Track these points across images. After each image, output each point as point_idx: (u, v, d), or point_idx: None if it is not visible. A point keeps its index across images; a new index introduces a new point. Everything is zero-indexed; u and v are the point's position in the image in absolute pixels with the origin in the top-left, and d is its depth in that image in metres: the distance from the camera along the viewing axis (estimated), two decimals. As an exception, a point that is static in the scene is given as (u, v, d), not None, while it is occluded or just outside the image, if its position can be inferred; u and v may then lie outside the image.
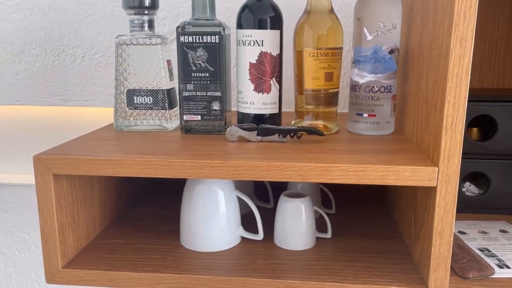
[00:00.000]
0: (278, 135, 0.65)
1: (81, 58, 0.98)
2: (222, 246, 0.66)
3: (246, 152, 0.59)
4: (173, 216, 0.74)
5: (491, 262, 0.61)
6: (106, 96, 0.98)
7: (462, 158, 0.70)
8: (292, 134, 0.65)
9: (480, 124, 0.77)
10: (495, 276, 0.57)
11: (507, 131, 0.74)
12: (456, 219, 0.71)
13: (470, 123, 0.76)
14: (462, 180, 0.79)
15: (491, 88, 0.86)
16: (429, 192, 0.55)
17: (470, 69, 0.49)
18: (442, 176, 0.52)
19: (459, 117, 0.50)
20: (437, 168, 0.52)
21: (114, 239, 0.70)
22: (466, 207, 0.78)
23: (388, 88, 0.68)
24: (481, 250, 0.64)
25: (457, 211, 0.59)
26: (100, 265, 0.62)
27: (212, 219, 0.66)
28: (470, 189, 0.79)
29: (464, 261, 0.60)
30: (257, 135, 0.65)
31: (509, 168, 0.76)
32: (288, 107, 0.82)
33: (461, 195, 0.78)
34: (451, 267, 0.58)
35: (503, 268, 0.59)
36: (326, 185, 0.80)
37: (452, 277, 0.56)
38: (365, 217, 0.78)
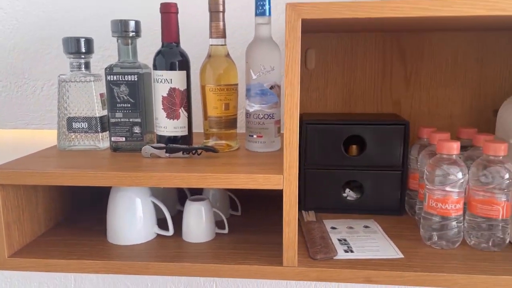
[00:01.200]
0: (183, 153, 0.84)
1: (40, 89, 1.16)
2: (139, 240, 0.84)
3: (152, 165, 0.78)
4: (102, 217, 0.92)
5: (340, 247, 0.79)
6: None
7: (342, 169, 0.90)
8: (193, 152, 0.84)
9: (357, 142, 0.96)
10: (338, 257, 0.76)
11: (373, 147, 0.94)
12: (335, 219, 0.91)
13: (350, 142, 0.95)
14: (343, 186, 0.98)
15: (369, 113, 1.06)
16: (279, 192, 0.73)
17: (299, 105, 0.68)
18: (286, 181, 0.70)
19: (293, 138, 0.69)
20: (282, 176, 0.70)
21: (55, 236, 0.87)
22: (347, 209, 0.97)
23: (271, 115, 0.87)
24: (339, 240, 0.83)
25: (338, 212, 0.79)
26: (38, 255, 0.79)
27: (130, 219, 0.84)
28: (350, 194, 0.98)
29: (319, 247, 0.78)
30: (166, 153, 0.84)
31: (377, 177, 0.95)
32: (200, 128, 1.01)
33: (342, 199, 0.97)
34: (308, 251, 0.77)
35: (348, 252, 0.78)
36: (233, 191, 0.98)
37: (306, 258, 0.75)
38: (263, 217, 0.96)
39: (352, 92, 1.07)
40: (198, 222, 0.84)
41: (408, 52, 1.04)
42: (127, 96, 0.86)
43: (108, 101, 0.87)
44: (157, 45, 0.88)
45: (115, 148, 0.89)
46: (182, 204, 0.99)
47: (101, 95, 0.92)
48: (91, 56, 0.91)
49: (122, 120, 0.87)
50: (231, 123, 0.90)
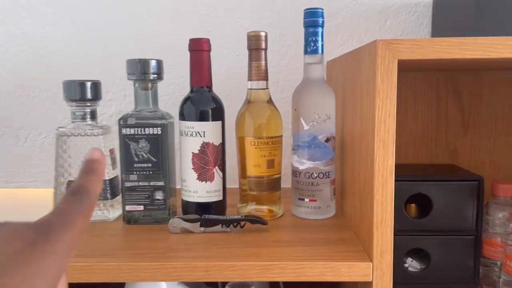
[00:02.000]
0: (221, 225, 0.65)
1: (24, 140, 0.96)
2: None
3: (187, 249, 0.59)
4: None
5: None
6: (49, 177, 0.96)
7: (403, 235, 0.73)
8: (235, 224, 0.66)
9: (417, 200, 0.81)
10: None
11: (441, 208, 0.78)
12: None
13: (408, 200, 0.79)
14: (405, 255, 0.81)
15: (425, 164, 0.91)
16: (367, 285, 0.56)
17: (394, 169, 0.52)
18: (377, 271, 0.53)
19: (387, 214, 0.52)
20: (372, 264, 0.53)
21: None
22: (409, 282, 0.80)
23: (327, 174, 0.71)
24: (423, 333, 0.66)
25: (400, 286, 0.61)
26: None
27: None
28: (412, 264, 0.82)
29: None
30: (200, 226, 0.65)
31: (446, 243, 0.79)
32: (234, 183, 0.83)
33: (404, 270, 0.80)
34: None
35: None
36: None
37: None
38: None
39: (402, 139, 0.92)
40: (242, 316, 0.65)
41: (465, 94, 0.90)
42: (148, 153, 0.68)
43: (122, 160, 0.68)
44: (173, 86, 0.70)
45: (129, 220, 0.70)
46: (209, 284, 0.80)
47: (111, 151, 0.73)
48: (98, 103, 0.73)
49: (140, 184, 0.69)
50: (275, 183, 0.73)
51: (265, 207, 0.73)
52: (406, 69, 0.82)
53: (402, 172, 0.82)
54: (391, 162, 0.51)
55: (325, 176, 0.71)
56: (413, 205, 0.82)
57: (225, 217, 0.66)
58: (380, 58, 0.50)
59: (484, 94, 0.90)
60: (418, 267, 0.82)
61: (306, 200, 0.71)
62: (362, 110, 0.57)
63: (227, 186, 0.73)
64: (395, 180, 0.77)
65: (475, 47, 0.49)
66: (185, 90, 0.72)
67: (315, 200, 0.71)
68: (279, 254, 0.56)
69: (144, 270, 0.54)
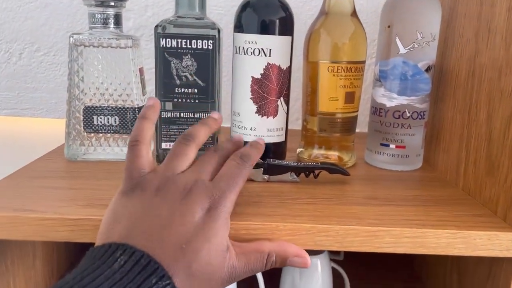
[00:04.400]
0: (291, 173, 0.50)
1: (17, 56, 0.77)
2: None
3: (256, 202, 0.44)
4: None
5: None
6: (50, 104, 0.78)
7: None
8: (307, 173, 0.50)
9: None
10: None
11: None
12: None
13: None
14: None
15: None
16: (495, 260, 0.42)
17: None
18: (525, 245, 0.39)
19: (554, 169, 0.37)
20: (519, 235, 0.39)
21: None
22: None
23: (422, 113, 0.55)
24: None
25: None
26: None
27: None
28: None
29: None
30: (263, 173, 0.50)
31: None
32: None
33: None
34: None
35: None
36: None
37: None
38: (380, 264, 0.65)
39: None
40: (313, 286, 0.52)
41: None
42: (193, 75, 0.51)
43: (158, 83, 0.51)
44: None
45: (165, 161, 0.53)
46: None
47: (141, 71, 0.55)
48: (125, 4, 0.54)
49: (182, 114, 0.52)
50: (352, 124, 0.57)
51: (335, 153, 0.57)
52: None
53: None
54: None
55: (419, 117, 0.55)
56: None
57: (295, 163, 0.50)
58: None
59: None
60: None
61: (392, 146, 0.56)
62: (509, 26, 0.40)
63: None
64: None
65: None
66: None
67: (404, 147, 0.56)
68: (387, 217, 0.41)
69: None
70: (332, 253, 0.66)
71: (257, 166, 0.50)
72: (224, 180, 0.35)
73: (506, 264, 0.41)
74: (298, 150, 0.60)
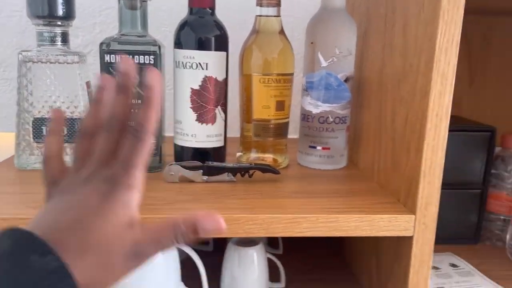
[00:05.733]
0: (227, 174, 0.56)
1: (-33, 71, 0.79)
2: (160, 310, 0.55)
3: (193, 199, 0.49)
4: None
5: (454, 306, 0.58)
6: (8, 120, 0.81)
7: None
8: (243, 173, 0.56)
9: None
10: (462, 323, 0.54)
11: (450, 160, 0.73)
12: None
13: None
14: (408, 210, 0.76)
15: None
16: (401, 240, 0.49)
17: (450, 110, 0.44)
18: (419, 225, 0.47)
19: (438, 160, 0.45)
20: (414, 216, 0.46)
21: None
22: (412, 238, 0.76)
23: (343, 118, 0.63)
24: (439, 290, 0.62)
25: None
26: None
27: (146, 276, 0.54)
28: (415, 219, 0.77)
29: (430, 307, 0.56)
30: (203, 175, 0.55)
31: (451, 197, 0.75)
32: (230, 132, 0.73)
33: (407, 226, 0.76)
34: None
35: (466, 312, 0.57)
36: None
37: (422, 329, 0.52)
38: (315, 256, 0.72)
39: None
40: (249, 276, 0.57)
41: (474, 41, 0.85)
42: (136, 87, 0.56)
43: (104, 95, 0.56)
44: (172, 15, 0.58)
45: (113, 167, 0.58)
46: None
47: (88, 84, 0.60)
48: (71, 23, 0.59)
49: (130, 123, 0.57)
50: (283, 129, 0.64)
51: (270, 156, 0.64)
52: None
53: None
54: (448, 100, 0.44)
55: (341, 121, 0.63)
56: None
57: (231, 164, 0.56)
58: (447, -28, 0.41)
59: (494, 41, 0.85)
60: (421, 222, 0.78)
61: (319, 148, 0.63)
62: (408, 42, 0.49)
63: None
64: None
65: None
66: (181, 14, 0.59)
67: (329, 148, 0.63)
68: (306, 206, 0.48)
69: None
70: (271, 247, 0.72)
71: (196, 168, 0.55)
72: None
73: (407, 242, 0.48)
74: (238, 154, 0.66)
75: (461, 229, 0.77)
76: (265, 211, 0.46)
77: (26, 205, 0.45)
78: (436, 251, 0.73)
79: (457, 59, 0.43)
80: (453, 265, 0.69)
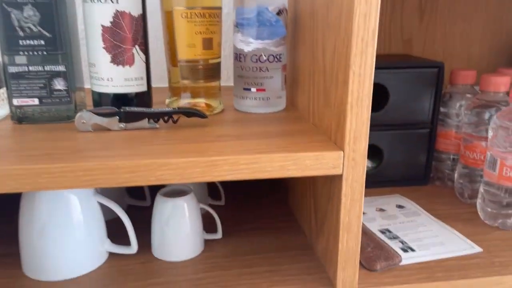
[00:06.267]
0: (148, 120, 0.51)
1: None
2: (81, 270, 0.51)
3: (104, 147, 0.44)
4: (10, 234, 0.55)
5: (395, 246, 0.56)
6: None
7: None
8: (166, 118, 0.51)
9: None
10: (402, 263, 0.52)
11: (397, 100, 0.70)
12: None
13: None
14: (356, 154, 0.73)
15: (379, 54, 0.81)
16: (333, 179, 0.46)
17: (376, 36, 0.40)
18: (348, 161, 0.43)
19: (365, 91, 0.41)
20: (342, 153, 0.43)
21: None
22: (361, 183, 0.74)
23: (278, 56, 0.58)
24: (382, 232, 0.60)
25: None
26: None
27: (64, 236, 0.49)
28: (364, 163, 0.75)
29: (369, 249, 0.54)
30: (120, 122, 0.50)
31: (400, 138, 0.73)
32: (161, 82, 0.68)
33: (355, 171, 0.73)
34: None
35: (407, 251, 0.55)
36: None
37: (359, 270, 0.49)
38: (259, 206, 0.69)
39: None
40: (180, 228, 0.54)
41: (424, -26, 0.80)
42: (38, 26, 0.49)
43: (1, 37, 0.49)
44: None
45: (20, 118, 0.52)
46: (133, 195, 0.67)
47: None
48: (-44, -47, 0.50)
49: (31, 68, 0.50)
50: (214, 70, 0.58)
51: (202, 100, 0.59)
52: None
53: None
54: (375, 22, 0.39)
55: (276, 60, 0.58)
56: (366, 99, 0.74)
57: (152, 110, 0.51)
58: None
59: (443, -26, 0.80)
60: (370, 166, 0.75)
61: (253, 90, 0.58)
62: (333, -42, 0.43)
63: (152, 83, 0.58)
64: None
65: None
66: None
67: (264, 90, 0.58)
68: (227, 149, 0.43)
69: (45, 175, 0.39)
70: (213, 199, 0.69)
71: (112, 115, 0.50)
72: None
73: (337, 181, 0.45)
74: (167, 101, 0.60)
75: (410, 171, 0.75)
76: (181, 155, 0.42)
77: None
78: (384, 193, 0.72)
79: (382, -28, 0.38)
80: (400, 206, 0.67)
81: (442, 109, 0.73)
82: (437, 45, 0.83)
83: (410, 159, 0.74)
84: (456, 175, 0.70)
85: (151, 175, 0.41)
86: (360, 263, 0.51)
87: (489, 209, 0.61)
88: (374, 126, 0.70)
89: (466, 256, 0.54)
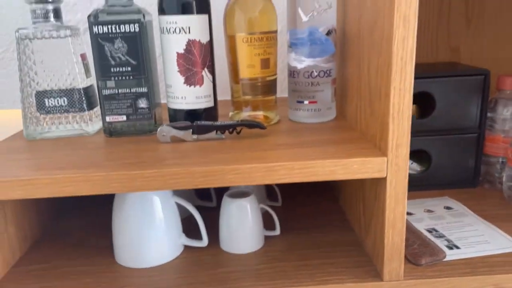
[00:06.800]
0: (216, 132, 0.59)
1: (-21, 55, 0.85)
2: (163, 259, 0.60)
3: (182, 156, 0.53)
4: (105, 228, 0.66)
5: (441, 244, 0.60)
6: (15, 97, 0.86)
7: None
8: (231, 130, 0.60)
9: (418, 101, 0.76)
10: (446, 259, 0.57)
11: (444, 106, 0.74)
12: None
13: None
14: (405, 159, 0.78)
15: (426, 63, 0.86)
16: (378, 182, 0.52)
17: (415, 52, 0.46)
18: (392, 166, 0.49)
19: (405, 103, 0.47)
20: (386, 158, 0.49)
21: (37, 264, 0.61)
22: (409, 185, 0.78)
23: (328, 72, 0.64)
24: (429, 231, 0.64)
25: None
26: (21, 300, 0.53)
27: (149, 231, 0.59)
28: (412, 167, 0.79)
29: (415, 246, 0.59)
30: (193, 134, 0.59)
31: (448, 143, 0.76)
32: (225, 94, 0.76)
33: (404, 174, 0.77)
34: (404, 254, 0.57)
35: (452, 249, 0.59)
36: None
37: (405, 264, 0.55)
38: (313, 206, 0.75)
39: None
40: (243, 226, 0.62)
41: (470, -16, 0.83)
42: (126, 55, 0.59)
43: (96, 65, 0.60)
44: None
45: (111, 132, 0.63)
46: (202, 197, 0.75)
47: (82, 56, 0.64)
48: (62, 0, 0.62)
49: (120, 91, 0.61)
50: (270, 86, 0.66)
51: (260, 113, 0.66)
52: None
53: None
54: (412, 43, 0.45)
55: (326, 75, 0.64)
56: (414, 105, 0.78)
57: (219, 122, 0.60)
58: None
59: (490, -17, 0.83)
60: (418, 169, 0.79)
61: (306, 102, 0.65)
62: (375, -12, 0.49)
63: (218, 97, 0.66)
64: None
65: None
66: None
67: (315, 102, 0.65)
68: (284, 156, 0.51)
69: (138, 179, 0.48)
70: (271, 200, 0.76)
71: (186, 128, 0.59)
72: None
73: (382, 183, 0.51)
74: (230, 114, 0.69)
75: (459, 174, 0.78)
76: (245, 161, 0.49)
77: (36, 168, 0.50)
78: (434, 196, 0.76)
79: (417, 2, 0.44)
80: (448, 208, 0.71)
81: (489, 114, 0.75)
82: (485, 51, 0.86)
83: (458, 162, 0.77)
84: (504, 178, 0.73)
85: (222, 178, 0.49)
86: (407, 258, 0.57)
87: (535, 210, 0.63)
88: (422, 131, 0.75)
89: (510, 253, 0.57)
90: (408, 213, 0.70)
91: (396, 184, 0.49)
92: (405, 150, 0.48)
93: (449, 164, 0.77)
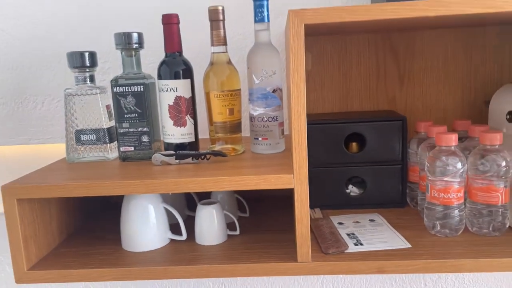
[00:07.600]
0: (192, 158, 0.86)
1: (41, 104, 1.17)
2: (154, 246, 0.86)
3: (164, 172, 0.80)
4: (116, 226, 0.93)
5: (350, 241, 0.82)
6: (63, 133, 1.18)
7: (344, 166, 0.93)
8: (202, 157, 0.86)
9: (358, 140, 1.00)
10: (349, 251, 0.79)
11: (373, 143, 0.97)
12: (340, 214, 0.94)
13: (350, 139, 0.99)
14: (346, 183, 1.01)
15: (366, 111, 1.10)
16: (292, 192, 0.76)
17: (305, 106, 0.71)
18: (297, 180, 0.73)
19: (302, 140, 0.72)
20: (293, 175, 0.73)
21: (69, 248, 0.89)
22: (351, 205, 1.00)
23: (275, 117, 0.90)
24: (348, 234, 0.86)
25: (342, 208, 0.83)
26: (56, 267, 0.81)
27: (145, 226, 0.85)
28: (353, 190, 1.02)
29: (330, 242, 0.81)
30: (176, 159, 0.86)
31: (379, 172, 0.99)
32: (206, 134, 1.04)
33: (346, 195, 1.00)
34: (320, 246, 0.80)
35: (357, 245, 0.81)
36: (240, 194, 1.01)
37: (318, 253, 0.77)
38: (271, 218, 0.99)
39: (348, 91, 1.10)
40: (210, 225, 0.87)
41: (400, 51, 1.08)
42: (134, 106, 0.88)
43: (115, 112, 0.89)
44: (159, 55, 0.90)
45: (124, 158, 0.91)
46: (191, 209, 1.01)
47: (107, 106, 0.94)
48: (95, 69, 0.93)
49: (130, 130, 0.89)
50: (236, 127, 0.93)
51: (229, 146, 0.93)
52: (345, 31, 1.00)
53: (342, 117, 1.02)
54: (303, 101, 0.71)
55: (273, 120, 0.90)
56: (354, 143, 1.02)
57: (193, 152, 0.87)
58: (291, 23, 0.68)
59: (416, 50, 1.07)
60: (358, 192, 1.02)
61: (260, 139, 0.91)
62: (288, 63, 0.76)
63: (201, 136, 0.94)
64: (337, 123, 0.97)
65: (358, 12, 0.67)
66: (162, 55, 0.91)
67: (267, 139, 0.91)
68: (230, 173, 0.77)
69: (135, 185, 0.75)
70: (241, 212, 1.01)
71: (171, 155, 0.86)
72: None
73: (293, 192, 0.75)
74: (209, 147, 0.96)
75: (390, 196, 1.00)
76: (202, 176, 0.76)
77: (69, 179, 0.79)
78: (370, 212, 0.98)
79: (304, 75, 0.70)
80: (371, 220, 0.93)
81: (410, 150, 0.98)
82: (417, 101, 1.09)
83: (389, 187, 0.99)
84: (419, 200, 0.94)
85: (184, 186, 0.75)
86: (321, 249, 0.79)
87: (427, 220, 0.85)
88: (358, 162, 0.99)
89: (397, 249, 0.79)
90: (340, 223, 0.92)
91: (301, 192, 0.74)
92: (305, 170, 0.73)
93: (381, 188, 1.00)
